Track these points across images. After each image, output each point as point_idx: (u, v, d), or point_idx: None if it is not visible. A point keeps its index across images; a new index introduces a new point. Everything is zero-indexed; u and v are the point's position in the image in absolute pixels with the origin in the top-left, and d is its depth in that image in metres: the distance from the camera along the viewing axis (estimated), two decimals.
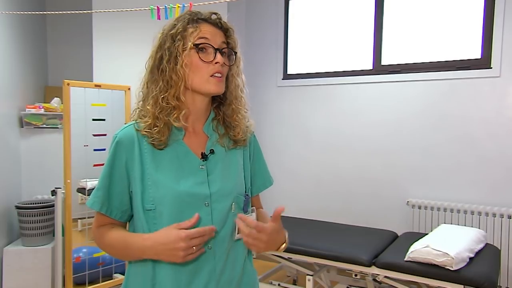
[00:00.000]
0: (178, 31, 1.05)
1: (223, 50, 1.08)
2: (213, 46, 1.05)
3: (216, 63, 1.05)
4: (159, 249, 0.99)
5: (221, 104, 1.15)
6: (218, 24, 1.09)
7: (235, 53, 1.11)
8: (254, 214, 1.16)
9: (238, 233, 1.11)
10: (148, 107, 1.06)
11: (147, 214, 1.05)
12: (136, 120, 1.09)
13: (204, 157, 1.10)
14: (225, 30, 1.10)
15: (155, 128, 1.04)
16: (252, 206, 1.18)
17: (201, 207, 1.06)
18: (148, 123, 1.05)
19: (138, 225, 1.08)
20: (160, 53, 1.06)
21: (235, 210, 1.11)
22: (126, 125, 1.10)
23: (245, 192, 1.16)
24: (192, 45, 1.04)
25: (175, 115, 1.05)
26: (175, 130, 1.08)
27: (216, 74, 1.05)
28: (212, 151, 1.11)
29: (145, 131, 1.05)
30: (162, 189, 1.04)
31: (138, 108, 1.10)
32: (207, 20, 1.08)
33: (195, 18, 1.07)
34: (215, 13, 1.10)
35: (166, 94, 1.05)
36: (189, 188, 1.05)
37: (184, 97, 1.07)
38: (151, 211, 1.04)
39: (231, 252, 1.11)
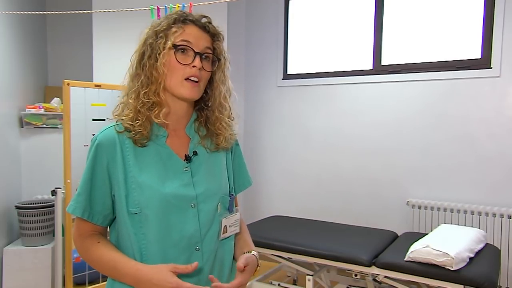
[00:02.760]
0: (162, 28, 1.05)
1: (205, 55, 1.06)
2: (193, 49, 1.04)
3: (193, 66, 1.03)
4: (148, 286, 0.97)
5: (204, 108, 1.14)
6: (206, 28, 1.07)
7: (219, 59, 1.09)
8: (238, 214, 1.17)
9: (223, 233, 1.11)
10: (130, 101, 1.06)
11: (132, 218, 1.03)
12: (117, 122, 1.07)
13: (187, 159, 1.09)
14: (212, 35, 1.09)
15: (137, 121, 1.04)
16: (236, 206, 1.18)
17: (188, 209, 1.05)
18: (130, 116, 1.04)
19: (122, 229, 1.05)
20: (143, 48, 1.06)
21: (221, 211, 1.11)
22: (106, 127, 1.08)
23: (230, 192, 1.16)
24: (171, 45, 1.03)
25: (156, 111, 1.05)
26: (157, 129, 1.07)
27: (191, 78, 1.03)
28: (195, 153, 1.11)
29: (127, 124, 1.04)
30: (147, 192, 1.02)
31: (122, 102, 1.09)
32: (194, 22, 1.06)
33: (181, 19, 1.06)
34: (205, 17, 1.09)
35: (147, 90, 1.04)
36: (175, 190, 1.04)
37: (164, 96, 1.06)
38: (137, 215, 1.03)
39: (219, 252, 1.11)
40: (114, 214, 1.08)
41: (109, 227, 1.12)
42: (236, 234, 1.18)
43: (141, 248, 1.03)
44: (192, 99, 1.07)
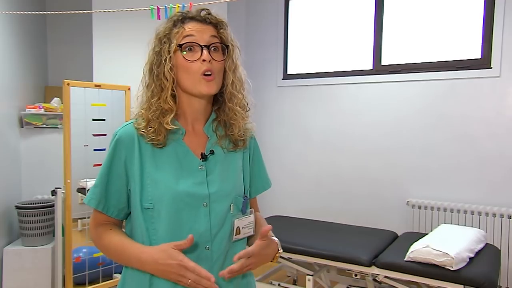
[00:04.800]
0: (165, 33, 1.05)
1: (213, 45, 1.04)
2: (198, 44, 1.03)
3: (203, 60, 1.02)
4: (153, 267, 0.99)
5: (219, 99, 1.12)
6: (207, 20, 1.06)
7: (227, 46, 1.07)
8: (252, 216, 1.16)
9: (236, 235, 1.11)
10: (142, 111, 1.07)
11: (145, 213, 1.04)
12: (136, 119, 1.08)
13: (203, 157, 1.09)
14: (215, 25, 1.07)
15: (150, 128, 1.04)
16: (250, 208, 1.17)
17: (200, 207, 1.06)
18: (142, 125, 1.05)
19: (136, 223, 1.07)
20: (152, 57, 1.06)
21: (233, 212, 1.10)
22: (126, 123, 1.09)
23: (244, 193, 1.15)
24: (176, 46, 1.03)
25: (167, 118, 1.04)
26: (175, 129, 1.07)
27: (206, 73, 1.03)
28: (212, 152, 1.10)
29: (141, 132, 1.05)
30: (161, 188, 1.04)
31: (137, 114, 1.10)
32: (194, 17, 1.06)
33: (180, 18, 1.06)
34: (204, 9, 1.08)
35: (158, 97, 1.05)
36: (188, 187, 1.05)
37: (179, 99, 1.07)
38: (149, 210, 1.04)
39: (229, 253, 1.10)
40: (129, 208, 1.09)
41: (125, 221, 1.13)
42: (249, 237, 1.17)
43: (152, 243, 1.04)
44: (211, 93, 1.06)
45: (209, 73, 1.03)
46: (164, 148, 1.06)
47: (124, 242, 1.05)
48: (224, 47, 1.07)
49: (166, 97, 1.04)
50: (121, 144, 1.05)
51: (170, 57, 1.03)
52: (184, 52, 1.03)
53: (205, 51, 1.03)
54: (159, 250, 0.99)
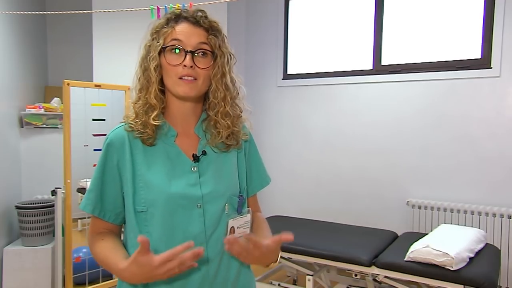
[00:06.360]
0: (156, 30, 1.05)
1: (199, 51, 1.03)
2: (183, 48, 1.02)
3: (184, 66, 1.01)
4: (139, 279, 0.95)
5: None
6: (199, 22, 1.04)
7: (213, 53, 1.05)
8: (249, 215, 1.14)
9: (230, 234, 1.09)
10: (132, 103, 1.07)
11: (139, 216, 1.03)
12: (126, 121, 1.08)
13: (195, 158, 1.08)
14: (207, 29, 1.05)
15: (138, 120, 1.04)
16: (248, 207, 1.16)
17: (193, 209, 1.05)
18: (131, 118, 1.06)
19: (129, 226, 1.06)
20: (143, 50, 1.07)
21: (228, 212, 1.09)
22: (117, 126, 1.09)
23: (240, 193, 1.14)
24: (161, 46, 1.03)
25: (152, 114, 1.04)
26: (166, 128, 1.07)
27: (184, 77, 1.02)
28: (204, 153, 1.09)
29: (130, 124, 1.05)
30: (154, 191, 1.03)
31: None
32: (187, 18, 1.05)
33: (174, 17, 1.05)
34: (201, 11, 1.07)
35: (146, 92, 1.05)
36: (181, 189, 1.04)
37: (167, 99, 1.08)
38: (143, 213, 1.03)
39: (225, 253, 1.09)
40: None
41: (124, 226, 1.12)
42: (256, 231, 1.14)
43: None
44: (188, 96, 1.05)
45: (188, 77, 1.02)
46: (156, 150, 1.06)
47: (107, 254, 1.02)
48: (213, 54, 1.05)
49: (152, 93, 1.04)
50: (112, 147, 1.05)
51: (155, 56, 1.03)
52: (170, 52, 1.03)
53: (188, 57, 1.01)
54: (129, 263, 0.93)
